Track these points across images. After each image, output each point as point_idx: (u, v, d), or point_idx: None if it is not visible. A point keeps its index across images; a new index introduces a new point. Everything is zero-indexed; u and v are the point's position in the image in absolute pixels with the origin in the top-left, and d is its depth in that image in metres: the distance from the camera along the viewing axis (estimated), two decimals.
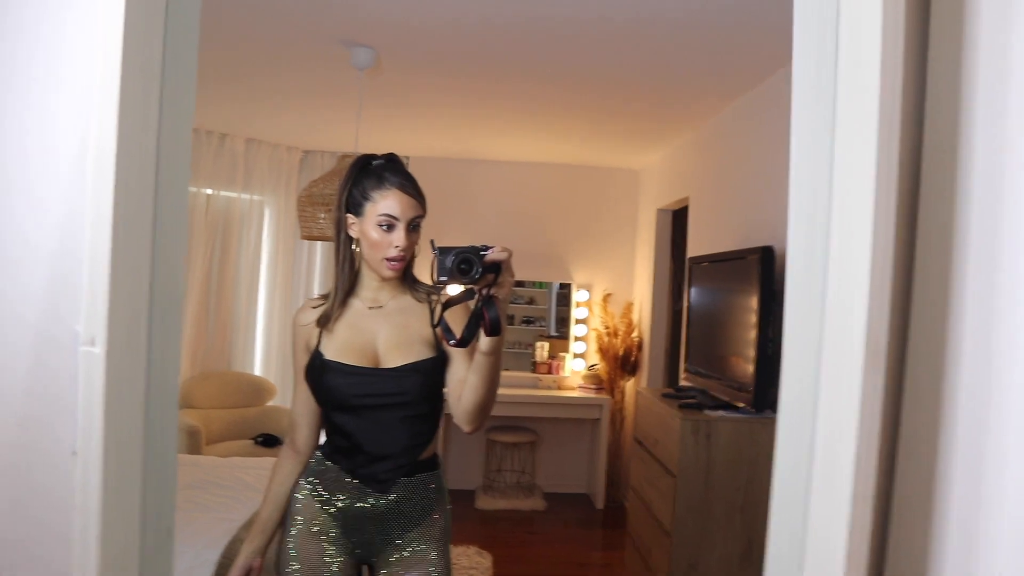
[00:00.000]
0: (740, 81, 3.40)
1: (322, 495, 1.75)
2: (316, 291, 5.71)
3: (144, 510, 0.94)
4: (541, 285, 5.86)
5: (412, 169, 1.82)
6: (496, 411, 5.66)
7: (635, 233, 5.83)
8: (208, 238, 5.14)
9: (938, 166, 0.76)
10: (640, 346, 5.42)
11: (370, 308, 1.76)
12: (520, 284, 5.80)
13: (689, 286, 3.94)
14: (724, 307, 3.44)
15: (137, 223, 0.95)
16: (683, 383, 3.93)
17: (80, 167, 0.97)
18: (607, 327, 5.60)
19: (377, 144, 5.06)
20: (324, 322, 1.74)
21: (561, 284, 5.86)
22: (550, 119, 4.34)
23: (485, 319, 1.52)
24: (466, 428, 1.73)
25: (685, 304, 4.02)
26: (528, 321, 5.88)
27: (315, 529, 1.74)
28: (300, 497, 1.77)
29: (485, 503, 5.37)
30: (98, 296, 0.90)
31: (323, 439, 1.84)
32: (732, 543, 3.03)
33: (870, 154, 0.68)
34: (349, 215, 1.72)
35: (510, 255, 1.54)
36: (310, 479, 1.78)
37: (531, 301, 5.89)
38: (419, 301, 1.80)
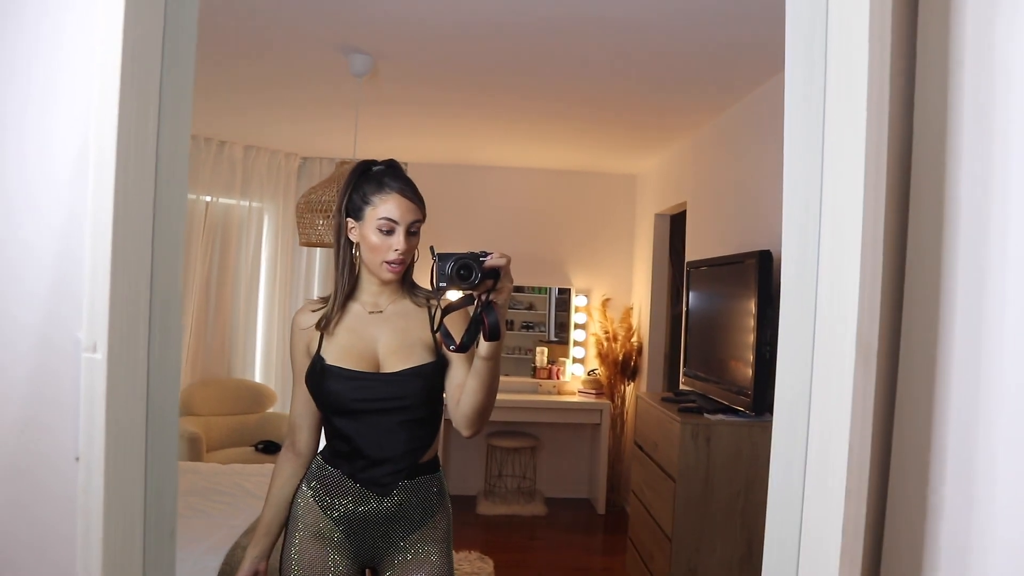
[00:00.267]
0: (737, 87, 3.41)
1: (324, 500, 1.75)
2: (316, 296, 5.72)
3: (146, 514, 0.95)
4: (540, 291, 5.87)
5: (410, 175, 1.83)
6: (496, 416, 5.66)
7: (633, 238, 5.84)
8: (207, 245, 5.15)
9: (927, 172, 0.77)
10: (639, 351, 5.42)
11: (370, 312, 1.78)
12: (519, 290, 5.80)
13: (687, 290, 3.95)
14: (723, 311, 3.45)
15: (136, 230, 0.96)
16: (682, 387, 3.94)
17: (80, 173, 0.98)
18: (606, 332, 5.60)
19: (375, 150, 5.07)
20: (324, 325, 1.75)
21: (560, 289, 5.87)
22: (548, 125, 4.36)
23: (485, 324, 1.54)
24: (465, 432, 1.73)
25: (684, 308, 4.03)
26: (527, 327, 5.88)
27: (317, 534, 1.74)
28: (302, 503, 1.77)
29: (486, 508, 5.37)
30: (99, 303, 0.91)
31: (323, 444, 1.84)
32: (732, 546, 3.03)
33: (858, 161, 0.69)
34: (349, 219, 1.74)
35: (509, 261, 1.57)
36: (312, 484, 1.78)
37: (530, 307, 5.89)
38: (418, 305, 1.81)
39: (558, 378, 5.75)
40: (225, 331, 5.33)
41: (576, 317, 5.83)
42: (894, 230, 0.78)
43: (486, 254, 1.54)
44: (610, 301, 5.78)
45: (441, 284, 1.52)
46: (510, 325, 5.79)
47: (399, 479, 1.74)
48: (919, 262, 0.77)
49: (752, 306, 3.00)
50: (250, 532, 2.77)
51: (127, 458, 0.93)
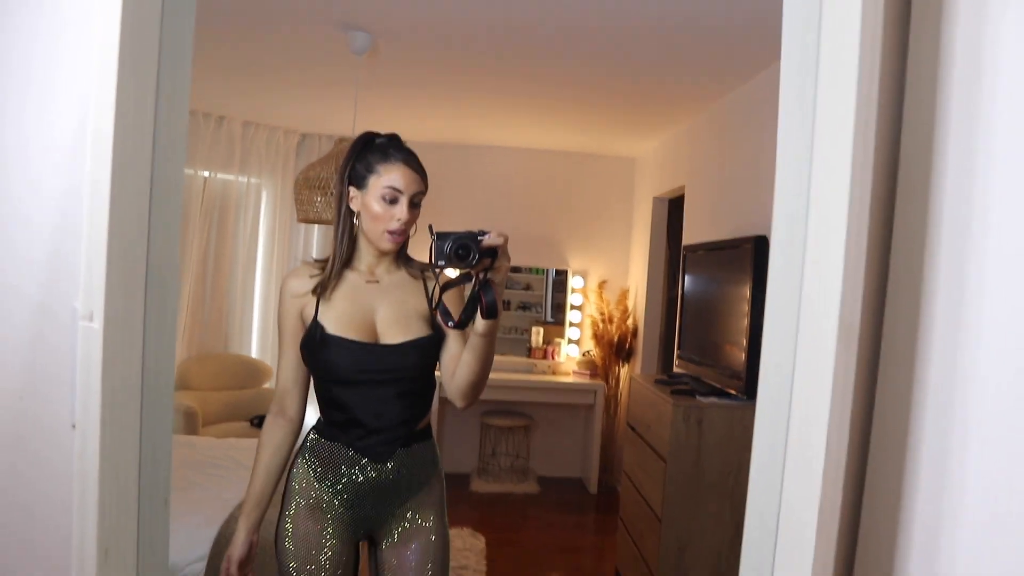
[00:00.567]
0: (737, 72, 3.41)
1: (320, 471, 1.75)
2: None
3: (140, 481, 0.97)
4: (538, 271, 5.88)
5: None
6: (491, 395, 5.67)
7: (632, 221, 5.85)
8: (205, 220, 5.14)
9: (914, 163, 0.78)
10: (634, 333, 5.45)
11: (367, 282, 1.79)
12: (516, 270, 5.82)
13: (683, 274, 3.97)
14: (718, 295, 3.47)
15: (133, 202, 0.97)
16: (676, 370, 3.96)
17: (78, 147, 0.98)
18: (602, 314, 5.63)
19: (374, 128, 5.06)
20: (321, 292, 1.75)
21: (557, 270, 5.88)
22: (547, 105, 4.35)
23: (482, 303, 1.57)
24: (459, 403, 1.76)
25: (679, 292, 4.05)
26: (524, 307, 5.90)
27: (313, 506, 1.74)
28: (297, 474, 1.78)
29: (480, 486, 5.42)
30: (95, 273, 0.92)
31: (313, 416, 1.85)
32: (722, 528, 3.07)
33: (846, 151, 0.71)
34: (352, 188, 1.75)
35: (506, 240, 1.59)
36: (306, 456, 1.79)
37: (527, 287, 5.91)
38: (414, 278, 1.84)
39: (553, 358, 5.78)
40: (222, 306, 5.34)
41: (572, 298, 5.85)
42: (880, 218, 0.79)
43: (484, 233, 1.56)
44: (607, 283, 5.80)
45: (439, 262, 1.55)
46: (506, 305, 5.81)
47: (395, 447, 1.76)
48: (904, 249, 0.79)
49: (747, 291, 3.02)
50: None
51: (122, 426, 0.95)
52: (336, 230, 1.79)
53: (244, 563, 1.75)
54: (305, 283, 1.77)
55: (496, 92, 4.11)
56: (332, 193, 3.76)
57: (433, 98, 4.34)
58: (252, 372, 5.20)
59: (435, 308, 1.78)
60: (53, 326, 0.97)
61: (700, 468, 3.06)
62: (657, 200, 5.21)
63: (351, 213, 1.77)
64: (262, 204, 5.55)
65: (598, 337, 5.62)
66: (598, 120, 4.64)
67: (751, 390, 2.97)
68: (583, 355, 5.76)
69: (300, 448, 1.83)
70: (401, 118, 4.90)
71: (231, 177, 5.29)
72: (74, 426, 0.92)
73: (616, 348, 5.49)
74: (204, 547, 2.54)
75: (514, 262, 1.67)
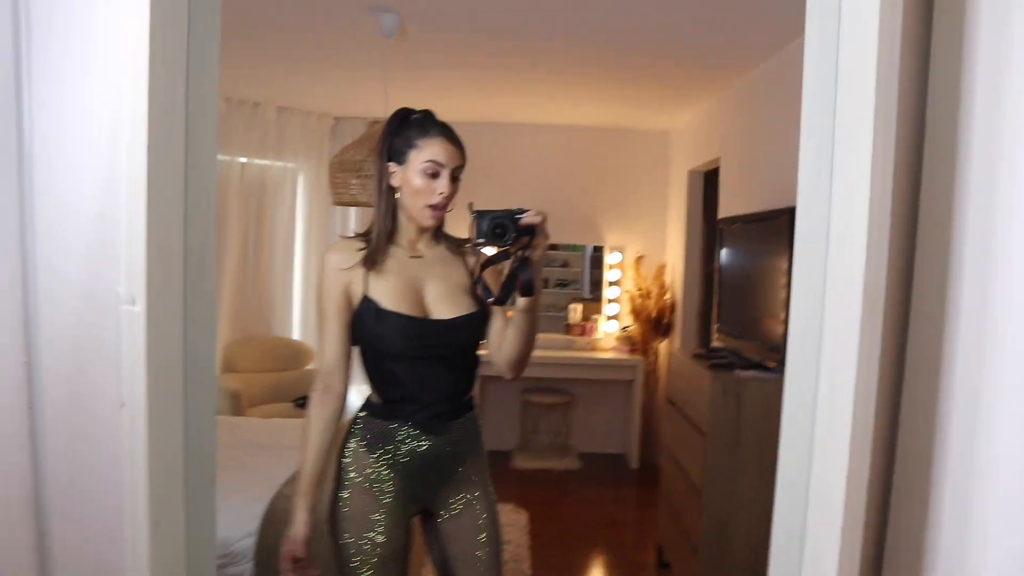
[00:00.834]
0: (770, 41, 3.34)
1: (374, 447, 1.76)
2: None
3: (187, 457, 1.01)
4: (575, 248, 5.87)
5: None
6: (531, 372, 5.71)
7: (667, 195, 5.79)
8: (243, 206, 5.22)
9: (940, 131, 0.77)
10: (673, 308, 5.42)
11: (411, 257, 1.79)
12: (554, 247, 5.81)
13: (720, 247, 3.93)
14: (756, 268, 3.43)
15: (169, 189, 1.00)
16: (715, 344, 3.94)
17: (115, 139, 1.01)
18: (640, 289, 5.60)
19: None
20: (370, 266, 1.73)
21: (594, 247, 5.86)
22: (580, 81, 4.31)
23: (519, 280, 1.59)
24: (507, 375, 1.82)
25: (716, 265, 4.01)
26: (562, 284, 5.89)
27: (368, 483, 1.75)
28: (351, 451, 1.79)
29: (521, 463, 5.46)
30: (136, 258, 0.95)
31: (357, 395, 1.86)
32: (762, 501, 3.06)
33: (867, 121, 0.70)
34: (392, 164, 1.75)
35: (544, 219, 1.61)
36: (358, 434, 1.79)
37: (565, 264, 5.90)
38: (453, 253, 1.85)
39: (592, 335, 5.78)
40: (263, 290, 5.43)
41: (610, 274, 5.83)
42: (907, 186, 0.78)
43: (523, 212, 1.60)
44: (644, 258, 5.76)
45: (479, 240, 1.60)
46: (544, 283, 5.82)
47: (448, 419, 1.79)
48: (931, 218, 0.78)
49: (785, 263, 2.98)
50: (291, 483, 2.87)
51: (167, 403, 0.99)
52: (377, 207, 1.78)
53: (308, 543, 1.75)
54: (349, 257, 1.75)
55: (527, 69, 4.09)
56: (368, 174, 3.79)
57: (464, 77, 4.34)
58: (294, 354, 5.30)
59: (476, 284, 1.80)
60: (98, 310, 1.01)
61: (740, 442, 3.04)
62: (692, 173, 5.15)
63: (391, 189, 1.77)
64: (298, 188, 5.61)
65: (636, 312, 5.60)
66: (632, 94, 4.59)
67: None
68: (622, 331, 5.75)
69: (351, 426, 1.83)
70: (432, 98, 4.90)
71: (267, 162, 5.36)
72: (122, 405, 0.96)
73: (654, 323, 5.47)
74: (253, 523, 2.61)
75: (551, 239, 1.68)
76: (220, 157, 4.95)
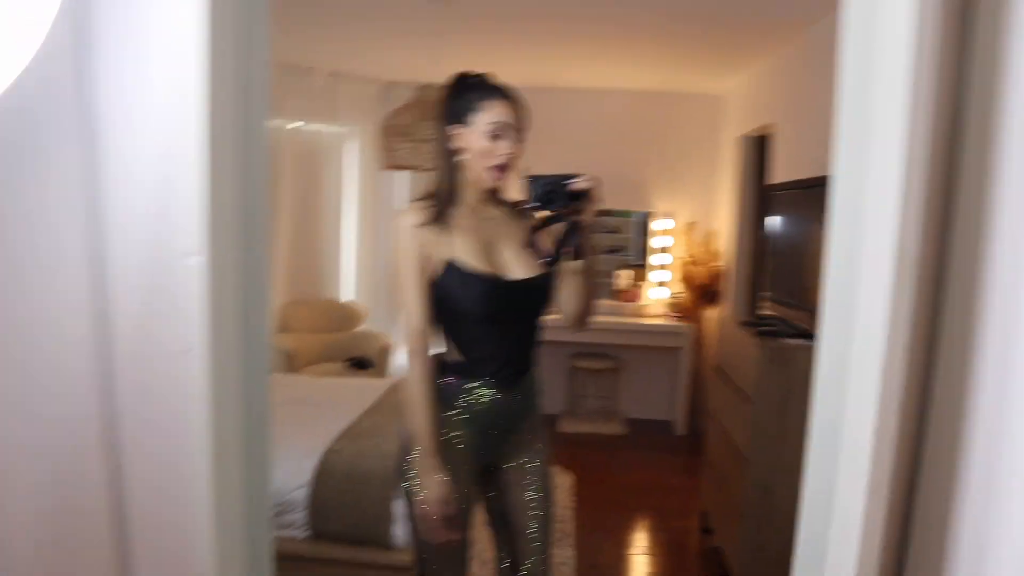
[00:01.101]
0: (824, 1, 3.25)
1: (451, 404, 1.80)
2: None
3: (245, 398, 1.08)
4: (626, 214, 5.82)
5: None
6: (578, 337, 5.70)
7: (717, 161, 5.70)
8: (296, 170, 5.32)
9: (979, 100, 0.77)
10: (722, 275, 5.37)
11: (480, 219, 1.80)
12: (605, 213, 5.77)
13: (770, 214, 3.87)
14: (805, 235, 3.38)
15: (225, 151, 1.05)
16: (764, 312, 3.90)
17: (175, 108, 1.06)
18: (690, 256, 5.56)
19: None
20: (445, 228, 1.74)
21: (645, 213, 5.81)
22: (630, 45, 4.26)
23: (568, 245, 1.64)
24: (571, 329, 1.92)
25: (766, 232, 3.96)
26: (612, 250, 5.86)
27: (444, 443, 1.78)
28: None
29: (568, 427, 5.51)
30: (198, 214, 1.02)
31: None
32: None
33: (903, 87, 0.70)
34: (453, 126, 1.77)
35: (596, 185, 1.65)
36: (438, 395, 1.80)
37: (616, 230, 5.86)
38: (512, 215, 1.87)
39: (640, 301, 5.77)
40: (316, 252, 5.55)
41: (659, 241, 5.79)
42: (942, 151, 0.78)
43: (575, 177, 1.64)
44: (694, 225, 5.70)
45: (532, 204, 1.66)
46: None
47: (521, 375, 1.86)
48: (967, 186, 0.78)
49: None
50: (342, 438, 2.97)
51: (226, 350, 1.06)
52: (442, 170, 1.79)
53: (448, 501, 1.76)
54: (424, 221, 1.74)
55: (577, 33, 4.05)
56: (418, 138, 3.83)
57: (513, 42, 4.32)
58: (346, 316, 5.41)
59: (529, 246, 1.82)
60: (164, 263, 1.07)
61: (786, 409, 3.03)
62: (744, 139, 5.06)
63: (453, 152, 1.78)
64: (350, 152, 5.69)
65: (686, 279, 5.57)
66: (683, 57, 4.51)
67: None
68: (671, 297, 5.72)
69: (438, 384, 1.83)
70: (481, 63, 4.86)
71: (319, 127, 5.43)
72: (186, 351, 1.03)
73: (703, 290, 5.43)
74: (305, 476, 2.72)
75: (601, 205, 1.71)
76: (272, 122, 5.03)
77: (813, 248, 3.23)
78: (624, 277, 5.81)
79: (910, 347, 0.73)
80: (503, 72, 5.58)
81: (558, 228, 1.71)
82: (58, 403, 1.10)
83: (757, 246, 5.13)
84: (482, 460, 1.88)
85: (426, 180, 1.87)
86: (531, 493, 1.93)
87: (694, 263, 5.51)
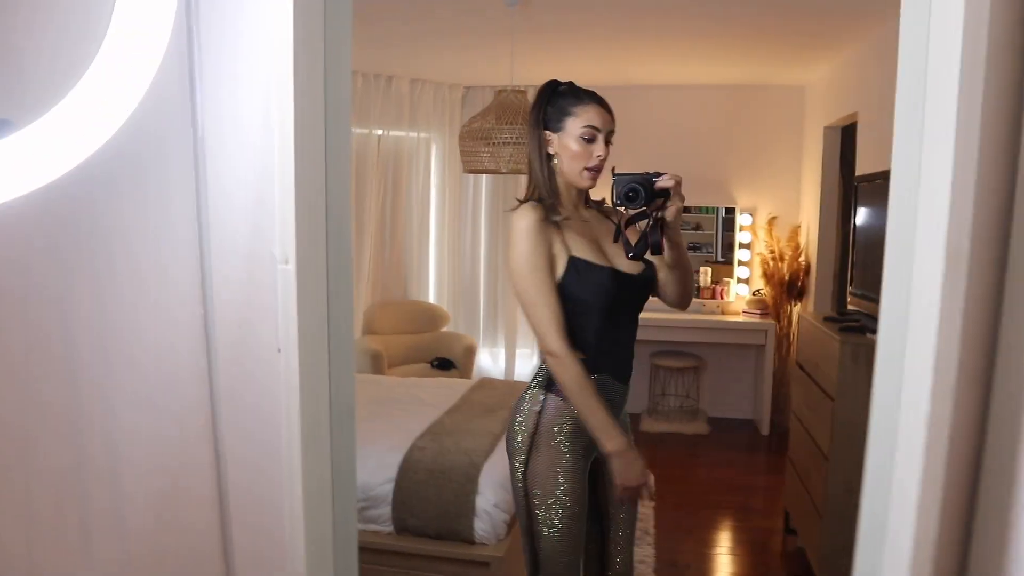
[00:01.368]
0: None
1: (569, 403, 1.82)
2: (485, 223, 5.94)
3: (331, 395, 1.18)
4: (707, 210, 5.77)
5: None
6: (659, 336, 5.66)
7: (801, 153, 5.58)
8: (381, 176, 5.49)
9: None
10: (807, 270, 5.25)
11: (580, 218, 1.90)
12: (686, 210, 5.71)
13: (856, 206, 3.78)
14: None
15: (312, 168, 1.15)
16: (849, 307, 3.82)
17: (266, 129, 1.17)
18: (772, 251, 5.46)
19: (535, 77, 5.14)
20: (557, 226, 1.81)
21: (726, 209, 5.74)
22: (708, 38, 4.23)
23: (649, 241, 1.72)
24: (678, 309, 2.04)
25: (852, 225, 3.86)
26: (694, 247, 5.80)
27: (565, 439, 1.84)
28: (548, 411, 1.85)
29: (649, 426, 5.49)
30: (287, 225, 1.12)
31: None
32: None
33: (952, 86, 0.72)
34: (547, 132, 1.86)
35: (678, 183, 1.73)
36: (552, 390, 1.85)
37: (697, 227, 5.81)
38: (602, 214, 1.98)
39: (722, 298, 5.70)
40: (400, 256, 5.71)
41: (741, 236, 5.71)
42: (1004, 148, 0.79)
43: (658, 175, 1.72)
44: (776, 219, 5.60)
45: (617, 202, 1.74)
46: None
47: (631, 367, 1.94)
48: None
49: None
50: (426, 435, 3.08)
51: (314, 349, 1.16)
52: (540, 173, 1.87)
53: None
54: (544, 218, 1.79)
55: (653, 30, 4.05)
56: (498, 142, 3.91)
57: (589, 42, 4.35)
58: (431, 317, 5.55)
59: (615, 241, 1.87)
60: (260, 268, 1.19)
61: (869, 407, 2.97)
62: (828, 129, 4.94)
63: (549, 157, 1.87)
64: (432, 157, 5.83)
65: (768, 275, 5.47)
66: (764, 49, 4.44)
67: None
68: (753, 294, 5.64)
69: (543, 383, 1.88)
70: (559, 65, 4.95)
71: (402, 133, 5.59)
72: (279, 350, 1.14)
73: (787, 286, 5.32)
74: (392, 471, 2.83)
75: (684, 202, 1.78)
76: (359, 130, 5.22)
77: None
78: (706, 274, 5.76)
79: (964, 340, 0.75)
80: (580, 72, 5.66)
81: (643, 225, 1.77)
82: (169, 395, 1.23)
83: (843, 240, 5.00)
84: (592, 455, 1.91)
85: (524, 183, 1.97)
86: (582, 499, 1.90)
87: (777, 258, 5.41)
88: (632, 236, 1.81)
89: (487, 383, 4.12)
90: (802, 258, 5.31)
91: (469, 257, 5.96)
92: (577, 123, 1.81)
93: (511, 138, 3.77)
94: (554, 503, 1.84)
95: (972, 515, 0.88)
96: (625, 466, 1.79)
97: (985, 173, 0.76)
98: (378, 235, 5.53)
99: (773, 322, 5.36)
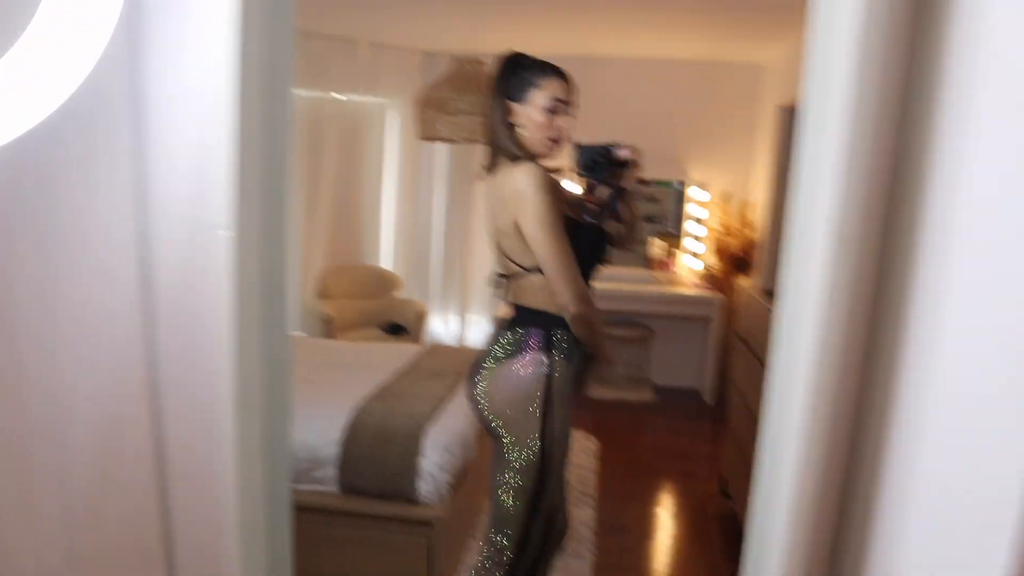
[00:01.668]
0: None
1: (571, 357, 2.00)
2: (441, 190, 5.93)
3: (267, 352, 1.25)
4: (665, 184, 5.82)
5: None
6: (609, 305, 5.71)
7: (756, 131, 5.68)
8: (339, 140, 5.45)
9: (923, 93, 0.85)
10: (755, 245, 5.38)
11: None
12: (644, 182, 5.79)
13: None
14: None
15: (253, 136, 1.19)
16: None
17: (206, 107, 1.21)
18: (723, 226, 5.57)
19: (496, 43, 5.13)
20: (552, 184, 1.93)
21: (679, 182, 5.82)
22: (668, 12, 4.25)
23: (608, 207, 1.91)
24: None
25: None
26: (649, 219, 5.87)
27: (564, 380, 1.99)
28: (558, 369, 1.97)
29: (598, 393, 5.59)
30: (227, 195, 1.17)
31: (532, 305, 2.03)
32: None
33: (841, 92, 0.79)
34: (509, 101, 1.93)
35: (636, 154, 1.91)
36: (562, 349, 1.98)
37: (653, 199, 5.87)
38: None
39: (673, 270, 5.81)
40: (357, 220, 5.70)
41: (693, 210, 5.80)
42: (889, 136, 0.86)
43: (618, 146, 1.89)
44: (730, 195, 5.71)
45: (580, 172, 1.91)
46: None
47: None
48: (904, 188, 0.86)
49: None
50: (373, 399, 3.13)
51: (250, 309, 1.22)
52: (502, 142, 1.93)
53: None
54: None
55: (614, 1, 4.07)
56: (456, 111, 3.92)
57: (551, 11, 4.35)
58: (384, 282, 5.57)
59: (577, 207, 2.03)
60: (201, 233, 1.23)
61: None
62: (782, 110, 5.03)
63: (511, 126, 1.93)
64: (390, 123, 5.80)
65: (719, 250, 5.59)
66: (722, 27, 4.49)
67: None
68: (703, 268, 5.76)
69: (554, 344, 1.97)
70: (519, 32, 4.94)
71: (361, 97, 5.55)
72: (214, 312, 1.19)
73: (736, 261, 5.45)
74: (337, 432, 2.88)
75: (641, 173, 1.95)
76: (316, 93, 5.16)
77: None
78: (658, 246, 5.85)
79: (849, 310, 0.84)
80: (538, 42, 5.62)
81: (602, 192, 1.92)
82: (110, 354, 1.28)
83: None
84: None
85: (480, 152, 2.08)
86: (570, 427, 2.10)
87: (728, 233, 5.53)
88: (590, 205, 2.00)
89: (438, 349, 4.18)
90: (751, 233, 5.43)
91: (424, 223, 5.97)
92: (541, 95, 1.88)
93: (466, 107, 3.79)
94: (564, 437, 2.05)
95: (852, 453, 0.98)
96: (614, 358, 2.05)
97: (870, 167, 0.84)
98: (334, 199, 5.50)
99: (720, 295, 5.49)
